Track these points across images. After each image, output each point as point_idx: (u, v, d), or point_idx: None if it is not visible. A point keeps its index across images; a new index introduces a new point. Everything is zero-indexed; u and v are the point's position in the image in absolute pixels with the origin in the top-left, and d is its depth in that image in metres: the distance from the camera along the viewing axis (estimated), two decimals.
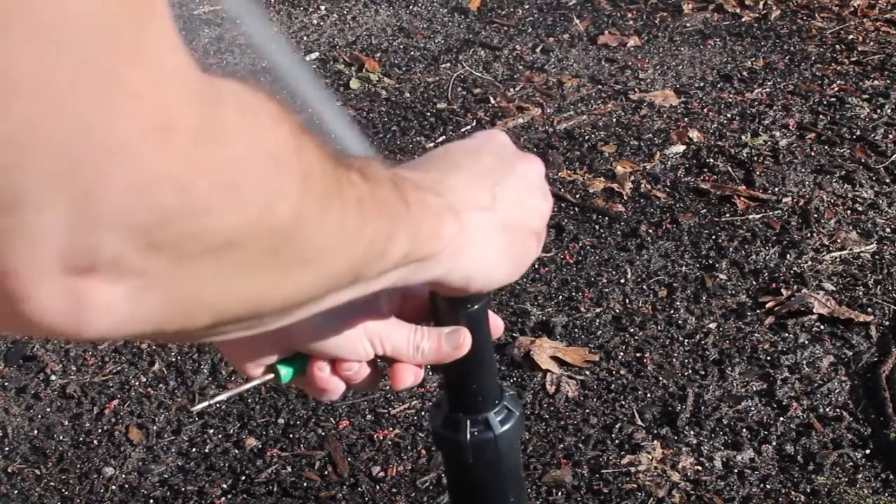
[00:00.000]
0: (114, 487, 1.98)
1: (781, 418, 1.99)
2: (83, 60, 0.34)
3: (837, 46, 3.30)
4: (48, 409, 2.16)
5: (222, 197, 0.41)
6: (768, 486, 1.86)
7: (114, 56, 0.35)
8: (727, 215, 2.56)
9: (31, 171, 0.34)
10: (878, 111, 2.94)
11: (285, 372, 0.72)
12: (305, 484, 1.94)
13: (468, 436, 0.83)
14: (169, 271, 0.40)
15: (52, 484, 1.99)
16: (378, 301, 0.71)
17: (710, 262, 2.41)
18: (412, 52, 3.49)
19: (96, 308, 0.38)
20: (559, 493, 1.88)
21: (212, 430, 2.08)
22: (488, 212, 0.65)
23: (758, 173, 2.69)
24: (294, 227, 0.46)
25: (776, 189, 2.63)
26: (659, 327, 2.23)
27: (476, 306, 0.77)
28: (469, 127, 3.04)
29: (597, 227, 2.56)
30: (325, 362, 0.72)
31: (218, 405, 2.13)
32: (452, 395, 0.84)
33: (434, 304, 0.77)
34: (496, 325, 0.81)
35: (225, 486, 1.96)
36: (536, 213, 0.69)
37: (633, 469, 1.91)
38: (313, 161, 0.48)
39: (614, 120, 3.00)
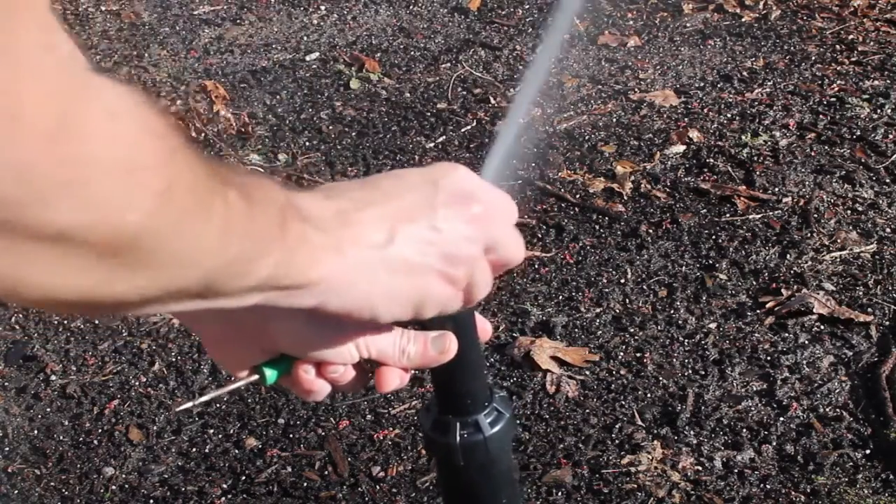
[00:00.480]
0: (114, 487, 1.97)
1: (781, 418, 1.99)
2: None
3: (837, 46, 3.30)
4: (48, 409, 2.16)
5: (64, 195, 0.42)
6: (768, 486, 1.86)
7: None
8: (727, 215, 2.55)
9: None
10: (878, 111, 2.94)
11: (270, 374, 0.72)
12: (305, 484, 1.94)
13: (458, 438, 0.82)
14: (7, 248, 0.42)
15: (52, 484, 1.99)
16: None
17: (710, 262, 2.41)
18: (412, 52, 3.49)
19: None
20: (559, 493, 1.88)
21: (212, 430, 2.08)
22: (379, 249, 0.65)
23: (758, 173, 2.69)
24: (139, 237, 0.46)
25: (776, 189, 2.63)
26: (659, 327, 2.23)
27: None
28: (469, 127, 3.04)
29: (597, 227, 2.56)
30: (310, 364, 0.72)
31: (218, 405, 2.13)
32: (442, 397, 0.84)
33: None
34: (484, 328, 0.80)
35: (225, 486, 1.96)
36: (452, 258, 0.68)
37: (633, 469, 1.91)
38: (184, 176, 0.48)
39: (614, 120, 3.00)
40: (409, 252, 0.66)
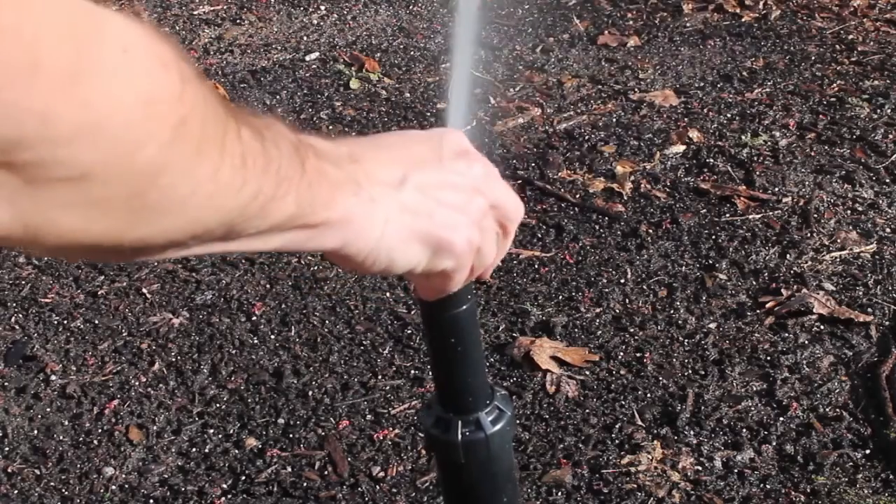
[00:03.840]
0: (114, 487, 1.97)
1: (781, 418, 1.99)
2: None
3: (837, 46, 3.30)
4: (48, 409, 2.16)
5: (86, 134, 0.41)
6: (768, 486, 1.86)
7: None
8: (727, 215, 2.55)
9: None
10: (878, 111, 2.94)
11: None
12: (305, 484, 1.94)
13: (459, 436, 0.82)
14: (22, 190, 0.41)
15: (52, 484, 1.99)
16: None
17: (710, 262, 2.41)
18: (412, 52, 3.49)
19: None
20: (559, 493, 1.88)
21: (212, 430, 2.08)
22: (394, 188, 0.65)
23: (758, 173, 2.69)
24: (158, 172, 0.46)
25: (776, 189, 2.63)
26: (659, 327, 2.23)
27: (464, 307, 0.78)
28: (469, 127, 3.03)
29: (597, 227, 2.56)
30: None
31: (218, 405, 2.13)
32: (443, 395, 0.84)
33: (421, 308, 0.77)
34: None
35: (225, 486, 1.96)
36: (463, 206, 0.69)
37: (633, 469, 1.91)
38: (197, 109, 0.48)
39: (614, 120, 3.00)
40: (422, 196, 0.66)
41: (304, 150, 0.58)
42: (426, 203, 0.66)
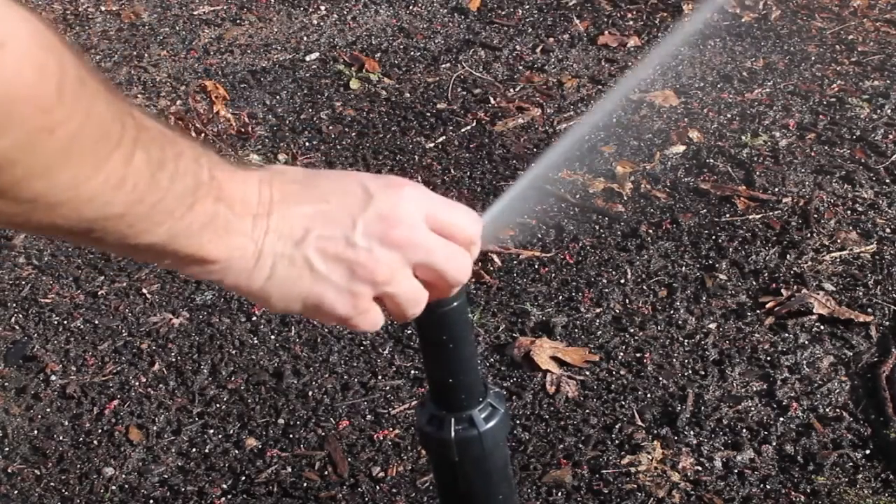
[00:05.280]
0: (114, 487, 1.97)
1: (781, 418, 1.99)
2: None
3: (837, 46, 3.30)
4: (48, 409, 2.16)
5: None
6: (768, 486, 1.86)
7: None
8: (727, 215, 2.55)
9: None
10: (878, 111, 2.94)
11: None
12: (305, 484, 1.94)
13: (453, 433, 0.82)
14: None
15: (52, 484, 1.99)
16: None
17: (710, 262, 2.40)
18: (412, 52, 3.49)
19: None
20: (559, 493, 1.87)
21: (212, 430, 2.08)
22: (289, 245, 0.67)
23: (758, 173, 2.69)
24: (11, 163, 0.49)
25: (776, 189, 2.63)
26: (659, 327, 2.23)
27: (453, 305, 0.77)
28: (469, 127, 3.03)
29: (597, 227, 2.56)
30: None
31: (218, 405, 2.13)
32: (436, 393, 0.84)
33: None
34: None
35: (225, 486, 1.96)
36: (350, 272, 0.69)
37: (633, 469, 1.91)
38: (72, 123, 0.51)
39: (614, 120, 3.00)
40: (315, 257, 0.67)
41: (206, 190, 0.61)
42: (316, 266, 0.67)
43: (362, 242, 0.68)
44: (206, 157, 0.62)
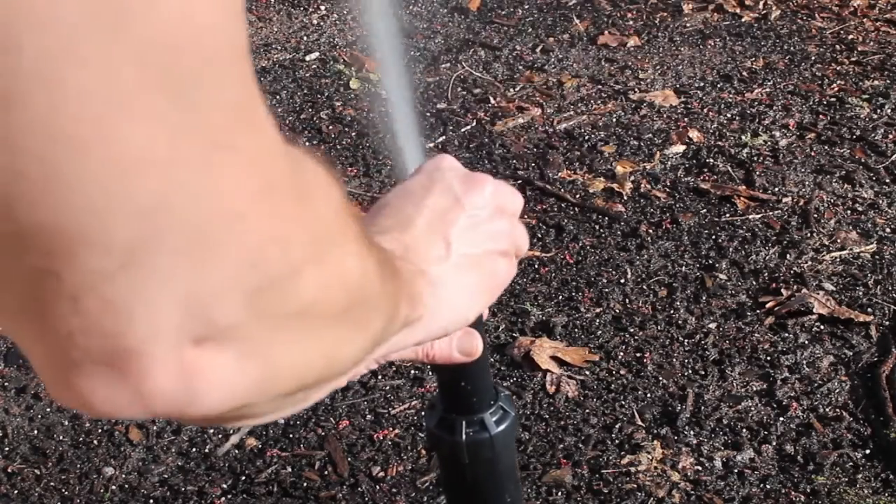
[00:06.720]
0: (114, 487, 1.97)
1: (781, 418, 1.99)
2: (215, 142, 0.34)
3: (837, 46, 3.30)
4: (48, 409, 2.16)
5: (309, 255, 0.40)
6: (768, 486, 1.86)
7: (235, 128, 0.35)
8: (727, 215, 2.55)
9: (163, 243, 0.33)
10: (878, 111, 2.94)
11: None
12: (305, 484, 1.94)
13: (464, 436, 0.83)
14: (267, 336, 0.39)
15: (52, 484, 1.99)
16: None
17: (710, 262, 2.41)
18: (412, 52, 3.49)
19: (208, 380, 0.38)
20: (559, 493, 1.88)
21: (212, 430, 2.08)
22: (444, 261, 0.66)
23: (758, 173, 2.69)
24: (360, 283, 0.46)
25: (776, 189, 2.63)
26: (659, 327, 2.23)
27: None
28: (469, 126, 3.04)
29: (597, 227, 2.56)
30: None
31: None
32: (447, 395, 0.84)
33: None
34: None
35: (225, 486, 1.96)
36: (497, 235, 0.70)
37: (633, 469, 1.91)
38: (356, 221, 0.49)
39: (614, 120, 3.00)
40: (467, 248, 0.68)
41: (389, 255, 0.59)
42: (474, 253, 0.68)
43: (477, 211, 0.70)
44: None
